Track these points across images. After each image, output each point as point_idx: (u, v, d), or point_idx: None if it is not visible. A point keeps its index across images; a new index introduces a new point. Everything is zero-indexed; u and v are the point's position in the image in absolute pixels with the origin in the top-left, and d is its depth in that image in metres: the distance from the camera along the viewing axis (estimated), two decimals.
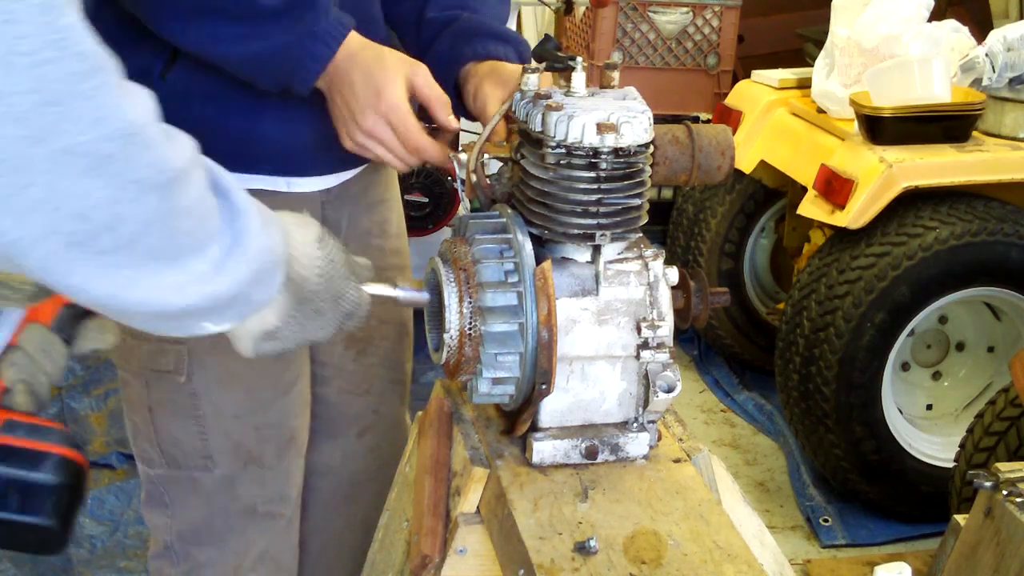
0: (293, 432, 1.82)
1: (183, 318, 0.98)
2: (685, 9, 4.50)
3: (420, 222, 4.00)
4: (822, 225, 3.22)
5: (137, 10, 1.48)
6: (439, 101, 1.50)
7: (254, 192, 1.66)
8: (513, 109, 1.34)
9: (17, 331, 1.06)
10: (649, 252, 1.31)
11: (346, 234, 1.80)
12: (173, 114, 1.58)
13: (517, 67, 1.54)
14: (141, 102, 0.88)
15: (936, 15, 3.26)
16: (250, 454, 1.77)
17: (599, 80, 1.36)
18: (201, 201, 0.94)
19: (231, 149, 1.54)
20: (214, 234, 0.96)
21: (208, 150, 1.62)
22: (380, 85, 1.46)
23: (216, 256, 0.97)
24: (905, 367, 3.25)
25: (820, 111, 3.37)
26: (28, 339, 1.06)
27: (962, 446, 2.64)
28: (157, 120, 0.90)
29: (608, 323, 1.28)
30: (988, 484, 1.83)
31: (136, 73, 1.58)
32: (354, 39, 1.49)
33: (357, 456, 1.97)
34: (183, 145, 0.93)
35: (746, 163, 3.48)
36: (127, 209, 0.87)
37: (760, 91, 3.63)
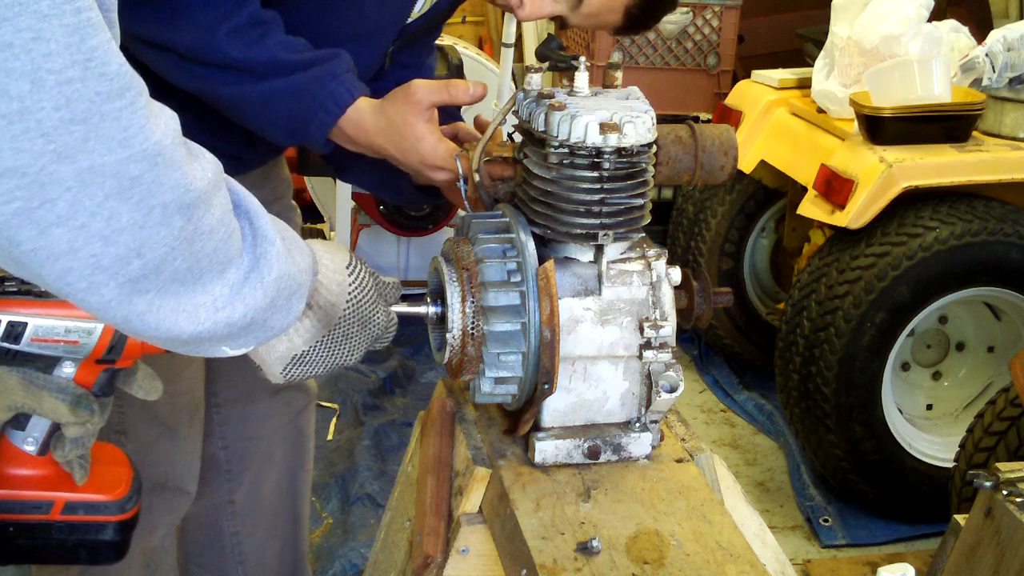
0: (198, 402, 1.89)
1: (198, 343, 0.98)
2: (685, 9, 4.49)
3: (420, 222, 3.99)
4: (822, 225, 3.22)
5: (160, 64, 1.52)
6: (455, 93, 1.51)
7: None
8: (516, 109, 1.34)
9: None
10: (652, 252, 1.31)
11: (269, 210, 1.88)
12: None
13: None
14: (167, 122, 0.88)
15: (936, 15, 3.26)
16: (164, 424, 1.81)
17: (600, 80, 1.36)
18: (223, 223, 0.94)
19: None
20: (234, 257, 0.96)
21: None
22: (415, 152, 1.50)
23: (234, 280, 0.96)
24: (905, 367, 3.25)
25: (820, 111, 3.37)
26: (74, 425, 1.11)
27: (962, 446, 2.64)
28: (181, 139, 0.90)
29: (611, 323, 1.28)
30: (988, 484, 1.83)
31: None
32: (363, 109, 1.51)
33: (275, 412, 2.06)
34: (207, 166, 0.93)
35: (746, 163, 3.48)
36: (153, 233, 0.87)
37: (760, 91, 3.63)
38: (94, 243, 0.84)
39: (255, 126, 1.55)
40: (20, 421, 1.10)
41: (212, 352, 1.02)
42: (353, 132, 1.52)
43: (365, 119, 1.50)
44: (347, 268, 1.18)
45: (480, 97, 1.50)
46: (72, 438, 1.10)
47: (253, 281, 0.98)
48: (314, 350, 1.16)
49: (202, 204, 0.90)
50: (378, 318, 1.21)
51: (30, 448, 1.11)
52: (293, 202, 2.06)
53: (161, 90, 1.54)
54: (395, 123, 1.49)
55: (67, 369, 1.09)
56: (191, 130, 0.95)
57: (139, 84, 0.85)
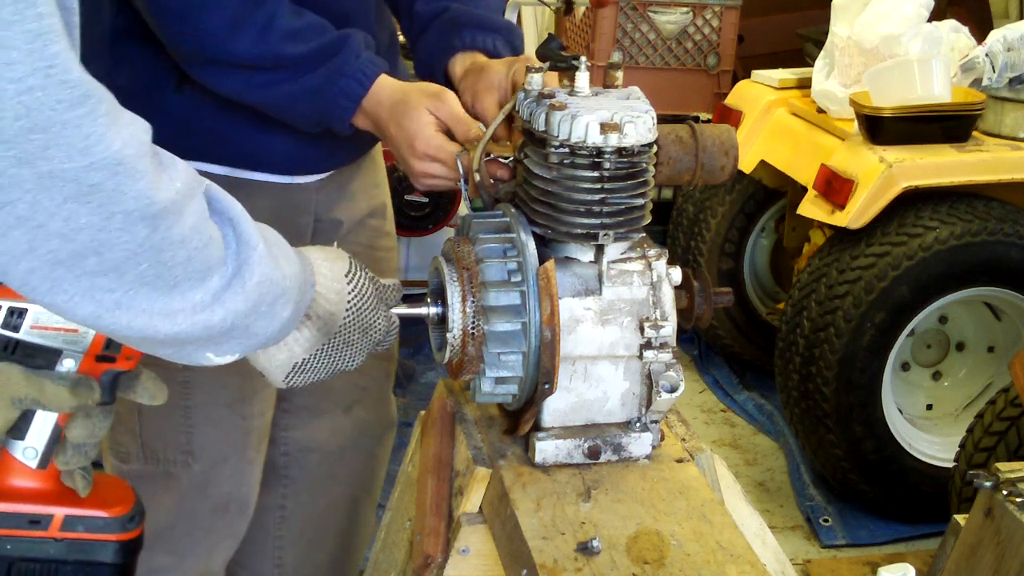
0: (267, 426, 1.86)
1: (178, 345, 0.98)
2: (685, 9, 4.50)
3: (420, 222, 3.99)
4: (822, 225, 3.22)
5: (177, 57, 1.54)
6: (459, 126, 1.50)
7: (253, 184, 1.69)
8: (516, 109, 1.34)
9: (63, 416, 1.10)
10: (652, 252, 1.31)
11: (346, 217, 1.85)
12: (186, 124, 1.62)
13: (502, 65, 1.55)
14: (132, 132, 0.87)
15: (936, 15, 3.26)
16: (234, 446, 1.79)
17: (600, 80, 1.36)
18: (196, 231, 0.93)
19: (238, 153, 1.63)
20: (215, 264, 0.95)
21: (218, 155, 1.63)
22: (411, 132, 1.49)
23: (216, 287, 0.96)
24: (905, 367, 3.25)
25: (820, 111, 3.37)
26: (78, 425, 1.10)
27: (962, 446, 2.64)
28: (149, 150, 0.89)
29: (611, 323, 1.28)
30: (988, 484, 1.83)
31: (153, 85, 1.62)
32: (385, 83, 1.52)
33: (344, 431, 2.00)
34: (178, 175, 0.92)
35: (746, 163, 3.48)
36: (113, 237, 0.86)
37: (760, 91, 3.63)
38: (52, 240, 0.84)
39: (284, 120, 1.58)
40: (20, 430, 1.08)
41: (197, 358, 1.02)
42: (371, 108, 1.52)
43: (383, 93, 1.51)
44: (346, 276, 1.18)
45: (469, 140, 1.48)
46: (75, 444, 1.09)
47: (235, 287, 0.98)
48: (315, 358, 1.16)
49: (170, 215, 0.90)
50: (379, 323, 1.21)
51: (30, 460, 1.09)
52: (389, 224, 1.98)
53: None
54: (409, 104, 1.49)
55: (68, 366, 1.08)
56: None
57: (100, 92, 0.84)
